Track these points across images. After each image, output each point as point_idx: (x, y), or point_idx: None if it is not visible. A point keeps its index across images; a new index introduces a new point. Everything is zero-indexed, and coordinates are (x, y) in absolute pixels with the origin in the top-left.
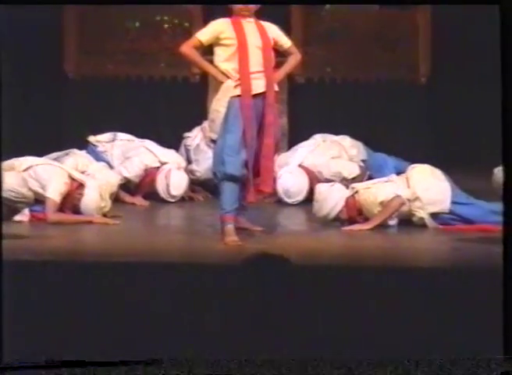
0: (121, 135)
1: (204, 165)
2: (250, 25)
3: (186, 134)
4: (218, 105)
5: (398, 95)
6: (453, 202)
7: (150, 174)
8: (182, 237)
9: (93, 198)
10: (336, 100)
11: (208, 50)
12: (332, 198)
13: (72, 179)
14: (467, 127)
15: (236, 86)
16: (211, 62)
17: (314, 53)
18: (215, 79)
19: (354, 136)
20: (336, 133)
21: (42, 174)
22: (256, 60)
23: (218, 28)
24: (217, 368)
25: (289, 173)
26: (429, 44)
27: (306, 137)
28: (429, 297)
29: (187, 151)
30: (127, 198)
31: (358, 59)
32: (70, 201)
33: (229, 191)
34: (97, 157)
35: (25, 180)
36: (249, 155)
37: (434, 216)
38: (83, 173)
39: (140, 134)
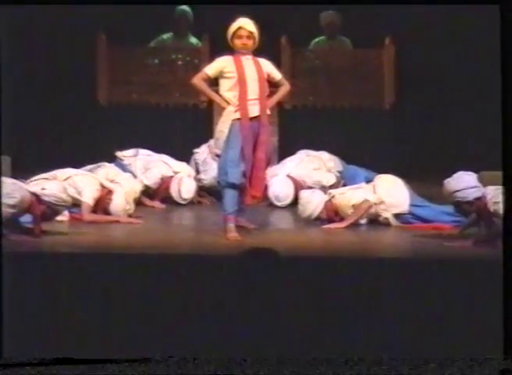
0: (142, 151)
1: (209, 175)
2: (248, 61)
3: (196, 150)
4: (222, 126)
5: (367, 118)
6: (412, 205)
7: (165, 182)
8: (192, 234)
9: (120, 202)
10: (316, 123)
11: (213, 81)
12: (313, 202)
13: (103, 186)
14: (423, 144)
15: (236, 111)
16: (216, 91)
17: (300, 85)
18: (219, 105)
19: (331, 151)
20: (317, 149)
21: (79, 183)
22: (252, 90)
23: (222, 64)
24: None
25: (278, 181)
26: (393, 76)
27: (292, 153)
28: (392, 283)
29: (196, 163)
30: (147, 201)
31: (335, 90)
32: (101, 205)
33: (230, 196)
34: (124, 169)
35: (65, 187)
36: (247, 167)
37: (396, 216)
38: (111, 181)
39: (158, 150)
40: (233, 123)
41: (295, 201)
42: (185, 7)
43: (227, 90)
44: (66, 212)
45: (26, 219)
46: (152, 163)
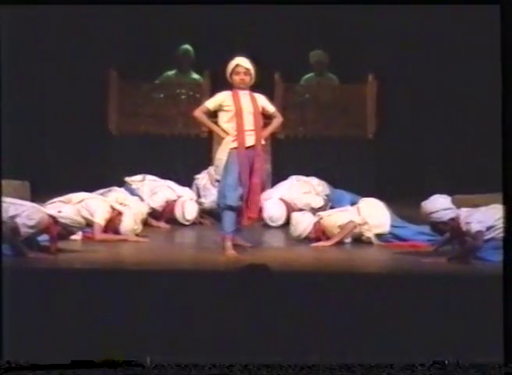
0: (149, 177)
1: (209, 198)
2: (245, 96)
3: (197, 176)
4: (221, 154)
5: (352, 147)
6: (392, 226)
7: (170, 205)
8: (194, 251)
9: (129, 223)
10: (306, 151)
11: (213, 114)
12: (303, 223)
13: (114, 208)
14: (402, 170)
15: (233, 141)
16: (216, 122)
17: (291, 117)
18: (218, 135)
19: (320, 177)
20: (307, 175)
21: (91, 205)
22: (248, 122)
23: (222, 98)
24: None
25: (272, 204)
26: (375, 109)
27: (284, 178)
28: (374, 295)
29: (197, 188)
30: (154, 222)
31: (323, 121)
32: (112, 225)
33: (228, 217)
34: (132, 192)
35: (79, 210)
36: (243, 191)
37: (378, 235)
38: (121, 204)
39: (163, 176)
40: (231, 152)
41: (287, 222)
42: (187, 46)
43: (226, 121)
44: (80, 232)
45: (43, 238)
46: (158, 188)
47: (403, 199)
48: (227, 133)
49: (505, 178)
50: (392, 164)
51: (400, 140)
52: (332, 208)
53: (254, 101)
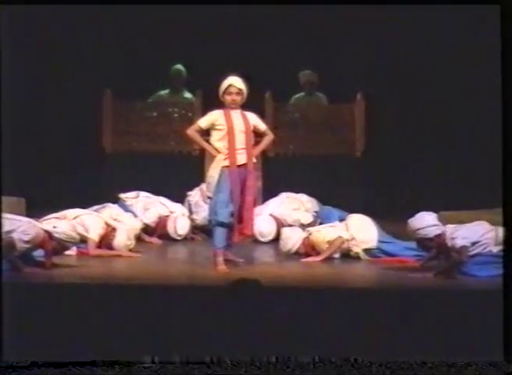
0: (142, 193)
1: (201, 215)
2: (236, 114)
3: (189, 193)
4: (213, 172)
5: (341, 165)
6: (379, 241)
7: (163, 220)
8: (186, 266)
9: (122, 239)
10: (296, 168)
11: (205, 132)
12: (293, 238)
13: (108, 224)
14: (389, 187)
15: (225, 159)
16: (208, 141)
17: (281, 135)
18: (210, 153)
19: (309, 194)
20: (296, 191)
21: (86, 221)
22: (240, 140)
23: (214, 117)
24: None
25: (262, 220)
26: (363, 128)
27: (275, 195)
28: (362, 309)
29: (189, 204)
30: (146, 238)
31: (312, 139)
32: (106, 241)
33: (219, 233)
34: (125, 209)
35: (74, 225)
36: (235, 208)
37: (366, 251)
38: (115, 220)
39: (156, 192)
40: (223, 170)
41: (277, 238)
42: (180, 66)
43: (217, 140)
44: (74, 248)
45: (38, 253)
46: (151, 204)
47: (390, 216)
48: (219, 152)
49: (505, 193)
50: (380, 181)
51: (387, 158)
52: (321, 224)
53: (245, 119)
